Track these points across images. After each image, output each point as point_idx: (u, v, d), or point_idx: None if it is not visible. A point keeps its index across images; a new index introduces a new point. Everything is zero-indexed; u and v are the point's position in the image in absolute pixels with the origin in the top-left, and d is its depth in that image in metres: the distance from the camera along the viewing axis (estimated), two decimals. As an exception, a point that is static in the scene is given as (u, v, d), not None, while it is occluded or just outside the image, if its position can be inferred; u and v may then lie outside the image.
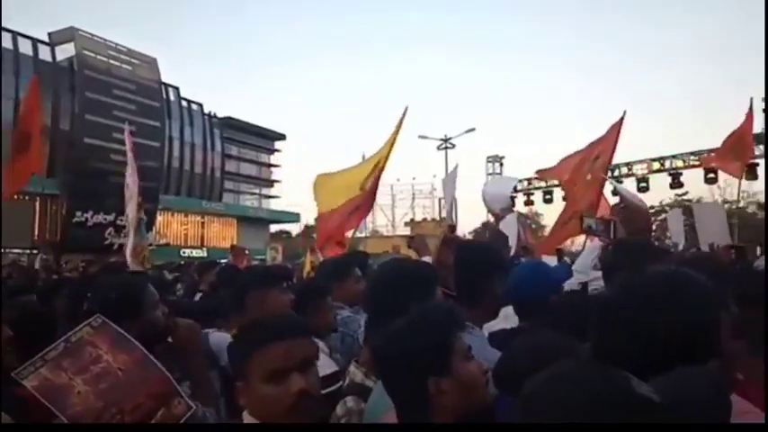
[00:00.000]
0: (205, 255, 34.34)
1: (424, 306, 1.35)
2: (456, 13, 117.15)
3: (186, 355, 1.96)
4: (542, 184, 23.26)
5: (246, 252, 9.15)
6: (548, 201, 23.06)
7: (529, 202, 23.94)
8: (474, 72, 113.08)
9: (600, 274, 2.53)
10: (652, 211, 32.91)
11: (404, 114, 5.88)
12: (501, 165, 26.93)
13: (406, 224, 42.51)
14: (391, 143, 5.94)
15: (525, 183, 23.51)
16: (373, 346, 1.42)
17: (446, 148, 29.08)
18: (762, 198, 26.80)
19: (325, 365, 2.25)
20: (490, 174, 26.67)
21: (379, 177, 6.14)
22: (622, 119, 5.80)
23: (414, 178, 45.61)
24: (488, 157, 27.18)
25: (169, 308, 2.76)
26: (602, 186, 5.92)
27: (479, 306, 1.92)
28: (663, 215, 27.86)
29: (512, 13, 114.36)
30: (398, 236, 30.49)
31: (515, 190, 19.57)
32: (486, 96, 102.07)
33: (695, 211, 7.22)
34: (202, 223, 41.11)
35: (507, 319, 2.28)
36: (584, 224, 4.37)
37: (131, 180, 6.78)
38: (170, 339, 1.98)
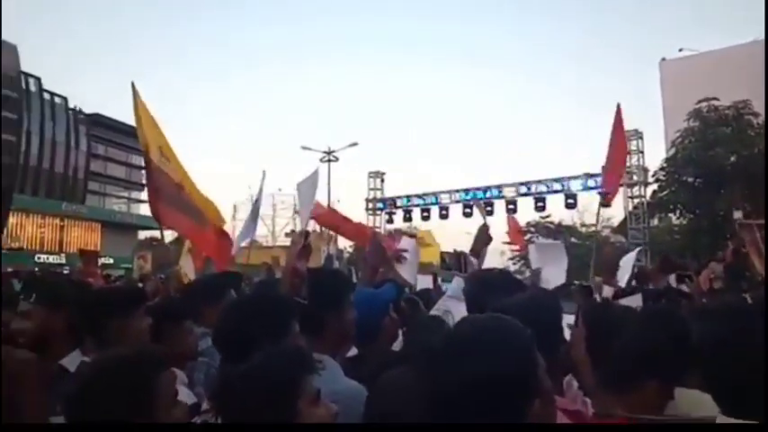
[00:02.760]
0: (63, 261, 31.74)
1: (270, 349, 1.31)
2: (367, 22, 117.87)
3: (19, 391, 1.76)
4: (421, 201, 24.48)
5: (104, 259, 8.43)
6: (425, 218, 24.27)
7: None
8: (362, 87, 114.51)
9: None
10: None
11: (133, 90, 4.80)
12: (382, 180, 27.45)
13: (287, 235, 41.86)
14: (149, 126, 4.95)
15: (405, 200, 25.05)
16: (209, 394, 1.37)
17: (329, 160, 29.17)
18: (615, 222, 29.64)
19: (184, 398, 2.14)
20: (371, 189, 27.14)
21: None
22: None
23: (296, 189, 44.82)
24: (370, 173, 27.62)
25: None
26: None
27: (328, 334, 1.91)
28: (528, 235, 29.98)
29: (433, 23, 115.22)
30: (278, 246, 29.95)
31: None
32: (373, 112, 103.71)
33: (532, 250, 6.51)
34: (62, 227, 37.73)
35: None
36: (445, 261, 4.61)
37: None
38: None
